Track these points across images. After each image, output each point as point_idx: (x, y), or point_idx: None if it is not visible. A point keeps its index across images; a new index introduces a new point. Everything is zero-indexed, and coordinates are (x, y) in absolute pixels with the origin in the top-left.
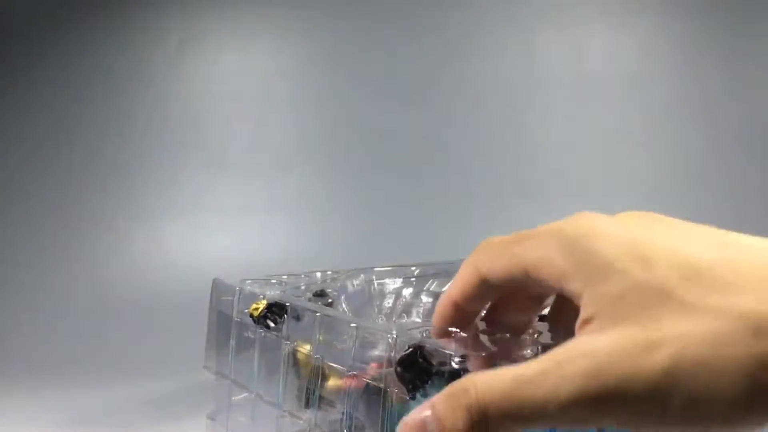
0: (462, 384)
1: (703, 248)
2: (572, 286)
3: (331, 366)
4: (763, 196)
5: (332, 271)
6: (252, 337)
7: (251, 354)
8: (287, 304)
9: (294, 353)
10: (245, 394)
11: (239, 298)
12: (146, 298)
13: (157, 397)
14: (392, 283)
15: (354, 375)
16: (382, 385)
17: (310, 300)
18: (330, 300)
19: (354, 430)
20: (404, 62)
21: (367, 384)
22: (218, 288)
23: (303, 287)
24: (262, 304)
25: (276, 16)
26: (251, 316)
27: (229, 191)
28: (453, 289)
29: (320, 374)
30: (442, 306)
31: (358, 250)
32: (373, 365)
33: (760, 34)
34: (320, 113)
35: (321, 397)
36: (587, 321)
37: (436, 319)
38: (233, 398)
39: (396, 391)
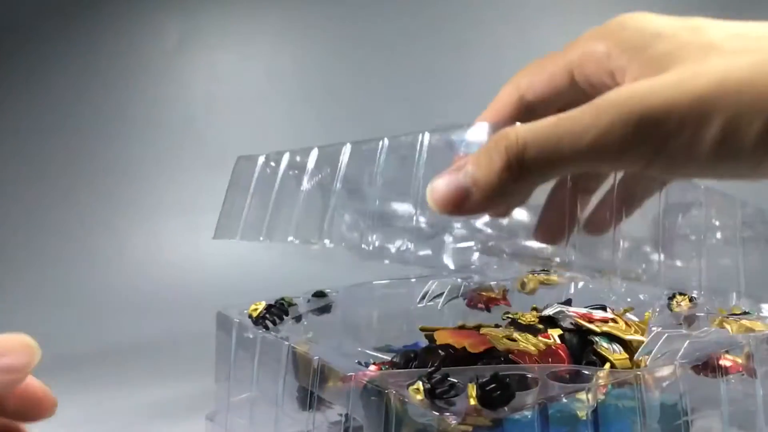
0: (503, 131)
1: (749, 25)
2: (619, 62)
3: (331, 367)
4: (762, 196)
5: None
6: (251, 337)
7: (251, 354)
8: (286, 304)
9: (293, 354)
10: (244, 395)
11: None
12: (146, 298)
13: (156, 398)
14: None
15: (353, 376)
16: (381, 387)
17: (309, 301)
18: (331, 302)
19: (353, 431)
20: (404, 61)
21: (366, 385)
22: (221, 322)
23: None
24: (261, 305)
25: (276, 16)
26: (250, 316)
27: None
28: (486, 113)
29: (319, 375)
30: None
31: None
32: (374, 367)
33: None
34: (320, 113)
35: (320, 399)
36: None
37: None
38: (232, 399)
39: (395, 392)
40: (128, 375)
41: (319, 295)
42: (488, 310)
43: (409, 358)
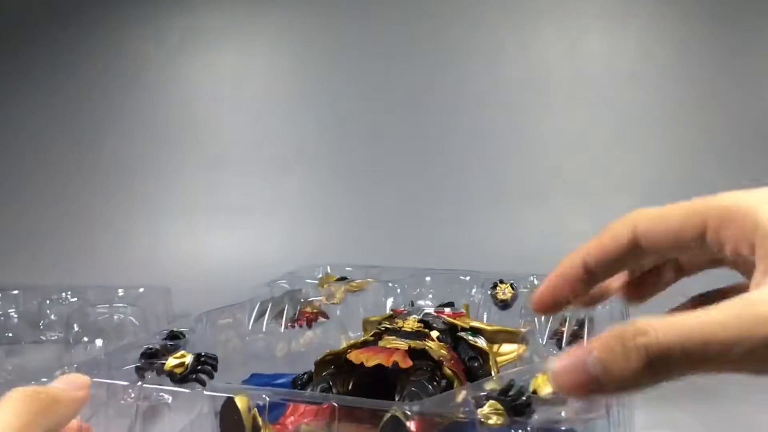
0: (636, 326)
1: None
2: (765, 243)
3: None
4: None
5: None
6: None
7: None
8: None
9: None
10: None
11: None
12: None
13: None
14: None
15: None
16: (464, 417)
17: (164, 341)
18: (186, 342)
19: None
20: (403, 62)
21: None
22: None
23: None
24: (186, 357)
25: (275, 16)
26: (170, 374)
27: (229, 191)
28: (591, 244)
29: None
30: (569, 261)
31: (358, 250)
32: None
33: (758, 33)
34: (320, 113)
35: None
36: None
37: (554, 274)
38: None
39: (479, 418)
40: (128, 374)
41: (174, 336)
42: (309, 326)
43: (327, 385)
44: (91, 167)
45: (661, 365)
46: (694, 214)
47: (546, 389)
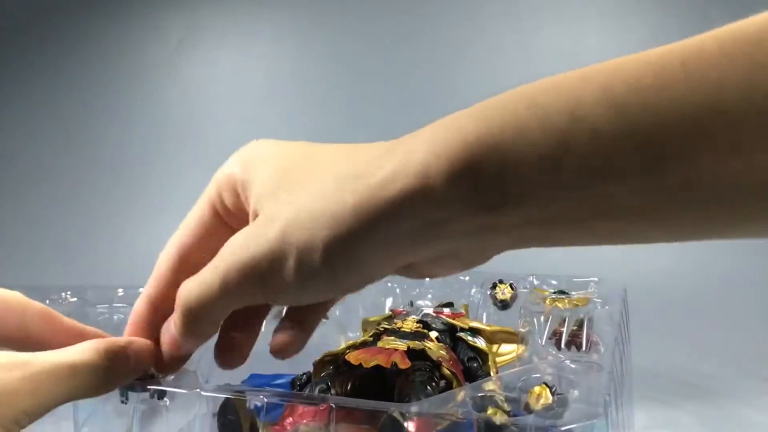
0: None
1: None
2: (246, 191)
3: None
4: None
5: None
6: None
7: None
8: None
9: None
10: None
11: None
12: None
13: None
14: None
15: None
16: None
17: None
18: None
19: None
20: (403, 62)
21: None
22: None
23: None
24: None
25: (275, 16)
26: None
27: None
28: (146, 288)
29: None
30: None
31: None
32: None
33: None
34: (320, 113)
35: None
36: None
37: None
38: None
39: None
40: None
41: None
42: None
43: (326, 386)
44: (91, 167)
45: (188, 312)
46: (202, 201)
47: (542, 402)
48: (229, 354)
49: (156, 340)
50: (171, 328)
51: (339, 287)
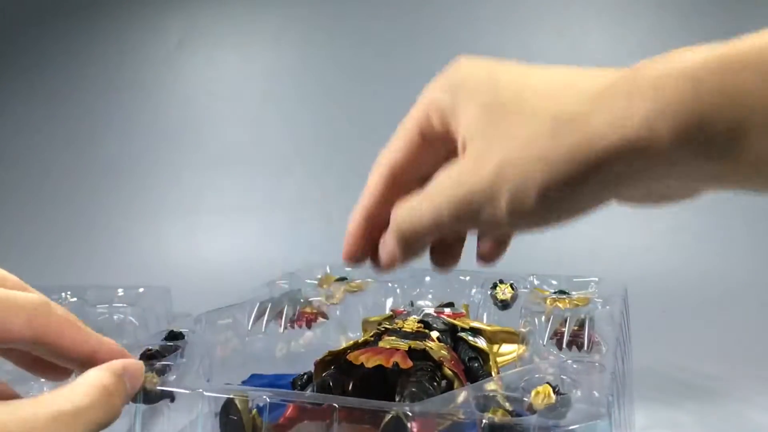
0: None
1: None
2: (455, 118)
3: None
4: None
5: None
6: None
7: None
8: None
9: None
10: None
11: None
12: None
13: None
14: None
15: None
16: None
17: (164, 341)
18: (185, 343)
19: None
20: (403, 62)
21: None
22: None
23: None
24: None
25: (275, 16)
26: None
27: (228, 191)
28: (361, 200)
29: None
30: (374, 182)
31: None
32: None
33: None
34: (320, 113)
35: None
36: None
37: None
38: None
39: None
40: None
41: (174, 337)
42: (309, 327)
43: (327, 385)
44: (91, 167)
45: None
46: (409, 123)
47: (545, 402)
48: (443, 256)
49: (370, 249)
50: (387, 245)
51: (548, 224)
